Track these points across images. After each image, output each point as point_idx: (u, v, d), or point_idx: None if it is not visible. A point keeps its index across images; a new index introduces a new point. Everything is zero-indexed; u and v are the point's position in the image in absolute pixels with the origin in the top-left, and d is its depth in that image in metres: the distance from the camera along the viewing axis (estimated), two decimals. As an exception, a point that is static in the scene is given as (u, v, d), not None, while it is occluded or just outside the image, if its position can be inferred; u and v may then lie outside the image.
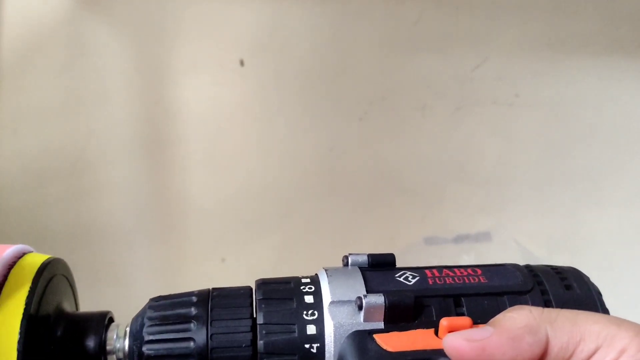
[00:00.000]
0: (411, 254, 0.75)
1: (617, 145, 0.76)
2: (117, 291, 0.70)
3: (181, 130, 0.76)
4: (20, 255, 0.27)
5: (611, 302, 0.31)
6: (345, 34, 0.75)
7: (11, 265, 0.26)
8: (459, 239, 0.74)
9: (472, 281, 0.28)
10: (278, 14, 0.74)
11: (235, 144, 0.76)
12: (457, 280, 0.28)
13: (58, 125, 0.76)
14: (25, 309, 0.24)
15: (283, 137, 0.76)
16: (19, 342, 0.23)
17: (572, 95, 0.75)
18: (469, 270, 0.29)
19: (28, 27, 0.75)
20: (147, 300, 0.29)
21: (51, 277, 0.27)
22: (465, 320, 0.25)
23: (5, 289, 0.24)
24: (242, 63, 0.75)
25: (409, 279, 0.28)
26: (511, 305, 0.27)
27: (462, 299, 0.27)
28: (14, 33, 0.75)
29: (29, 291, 0.24)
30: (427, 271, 0.29)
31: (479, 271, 0.29)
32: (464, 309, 0.27)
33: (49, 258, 0.27)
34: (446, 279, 0.28)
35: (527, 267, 0.30)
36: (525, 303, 0.28)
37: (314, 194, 0.77)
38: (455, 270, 0.29)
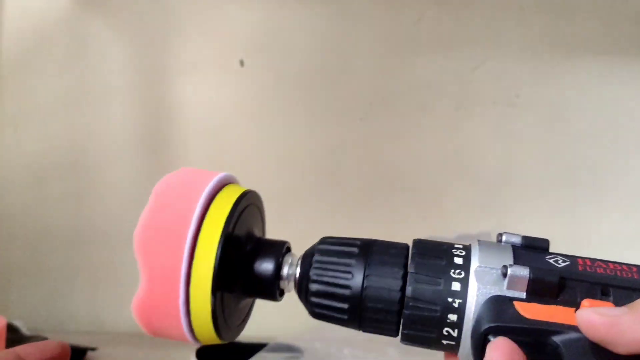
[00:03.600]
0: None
1: (618, 146, 0.76)
2: (117, 291, 0.70)
3: (181, 130, 0.76)
4: (225, 184, 0.32)
5: (611, 302, 0.31)
6: (346, 34, 0.75)
7: (217, 191, 0.31)
8: (460, 239, 0.74)
9: (624, 275, 0.27)
10: (278, 14, 0.74)
11: (235, 144, 0.76)
12: (608, 272, 0.28)
13: (58, 125, 0.76)
14: (224, 228, 0.29)
15: (283, 137, 0.76)
16: (216, 252, 0.29)
17: (572, 95, 0.75)
18: (624, 266, 0.28)
19: (29, 27, 0.75)
20: None
21: (246, 205, 0.32)
22: (608, 304, 0.25)
23: (210, 211, 0.30)
24: (242, 63, 0.75)
25: (559, 262, 0.28)
26: None
27: (610, 289, 0.27)
28: (14, 33, 0.75)
29: (228, 214, 0.30)
30: (579, 259, 0.29)
31: (634, 269, 0.28)
32: (611, 298, 0.27)
33: (246, 190, 0.33)
34: (597, 268, 0.28)
35: None
36: None
37: (314, 193, 0.77)
38: (609, 263, 0.28)
